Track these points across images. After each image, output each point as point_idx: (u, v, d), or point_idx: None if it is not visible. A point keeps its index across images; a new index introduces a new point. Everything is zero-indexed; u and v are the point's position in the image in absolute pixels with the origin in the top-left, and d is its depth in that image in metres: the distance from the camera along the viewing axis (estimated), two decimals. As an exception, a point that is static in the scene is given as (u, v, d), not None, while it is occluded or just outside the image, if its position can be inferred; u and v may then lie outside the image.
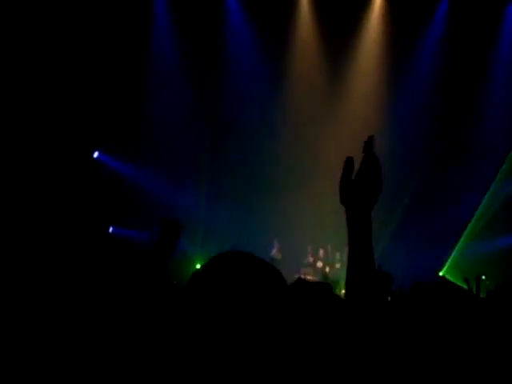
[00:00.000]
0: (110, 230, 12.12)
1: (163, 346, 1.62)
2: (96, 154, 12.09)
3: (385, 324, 1.68)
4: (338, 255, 11.96)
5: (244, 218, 11.86)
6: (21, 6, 10.02)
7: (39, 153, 10.35)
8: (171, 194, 11.88)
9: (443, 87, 11.96)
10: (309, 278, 10.85)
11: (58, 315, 2.74)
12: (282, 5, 12.21)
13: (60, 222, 10.07)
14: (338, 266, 11.86)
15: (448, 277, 11.12)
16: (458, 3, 11.70)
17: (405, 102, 12.30)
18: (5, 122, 9.92)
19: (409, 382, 1.59)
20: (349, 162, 1.75)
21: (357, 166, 1.80)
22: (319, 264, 12.13)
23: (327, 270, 11.92)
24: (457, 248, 12.03)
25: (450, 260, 12.06)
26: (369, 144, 1.73)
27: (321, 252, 12.21)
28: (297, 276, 11.10)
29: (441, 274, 11.84)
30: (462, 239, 11.98)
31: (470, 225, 11.90)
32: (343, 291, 2.10)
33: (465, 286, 3.50)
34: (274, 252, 12.02)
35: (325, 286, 2.38)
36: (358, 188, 1.69)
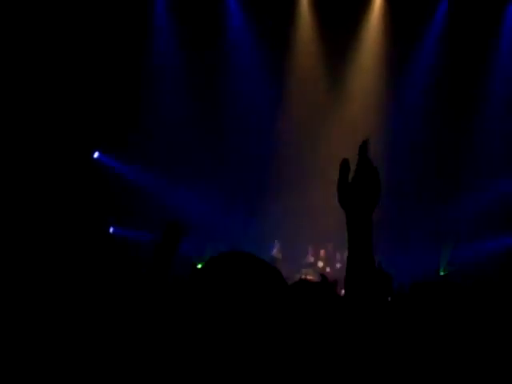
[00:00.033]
0: (111, 230, 12.13)
1: (163, 347, 1.62)
2: (96, 154, 12.10)
3: (384, 323, 1.68)
4: (338, 255, 11.96)
5: (245, 218, 11.87)
6: (21, 6, 10.03)
7: (39, 153, 10.35)
8: (171, 193, 11.88)
9: (443, 87, 11.97)
10: (309, 277, 10.85)
11: (59, 315, 2.74)
12: (282, 5, 12.21)
13: (60, 221, 10.07)
14: (338, 265, 11.86)
15: (448, 269, 11.15)
16: (457, 3, 11.69)
17: (405, 102, 12.31)
18: (4, 122, 9.92)
19: (411, 382, 1.59)
20: (344, 164, 1.72)
21: (354, 166, 1.79)
22: (320, 264, 12.13)
23: (328, 269, 11.93)
24: (458, 247, 12.02)
25: (450, 258, 12.05)
26: (363, 148, 1.71)
27: (322, 252, 12.22)
28: (297, 275, 11.12)
29: (441, 273, 11.85)
30: (463, 239, 11.96)
31: (471, 224, 11.89)
32: (343, 291, 2.12)
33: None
34: (275, 252, 12.03)
35: (327, 286, 2.38)
36: (356, 192, 1.67)
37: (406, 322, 1.65)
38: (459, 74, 11.65)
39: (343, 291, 1.78)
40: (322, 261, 12.18)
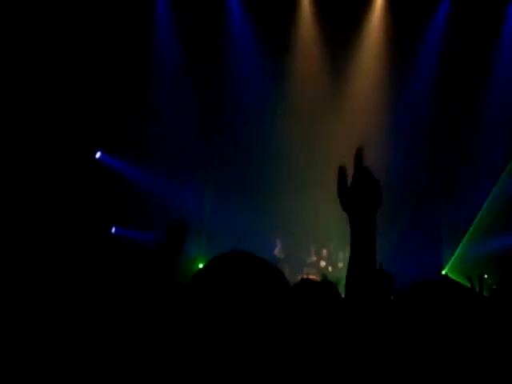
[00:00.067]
0: (113, 230, 12.13)
1: (166, 347, 1.62)
2: (98, 155, 12.10)
3: (385, 323, 1.68)
4: (341, 254, 11.95)
5: (247, 218, 11.86)
6: (21, 6, 10.03)
7: (41, 153, 10.36)
8: (174, 194, 11.88)
9: (444, 87, 11.95)
10: (312, 277, 10.85)
11: (62, 316, 2.75)
12: (284, 5, 12.20)
13: (62, 222, 10.08)
14: (340, 265, 11.86)
15: (451, 276, 11.11)
16: (459, 3, 11.68)
17: (406, 102, 12.28)
18: (6, 122, 9.93)
19: (413, 381, 1.59)
20: (341, 171, 1.73)
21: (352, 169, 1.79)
22: (322, 263, 12.13)
23: (330, 269, 11.92)
24: (460, 247, 12.01)
25: (452, 259, 12.05)
26: (358, 157, 1.71)
27: (324, 251, 12.22)
28: (299, 275, 11.12)
29: (443, 272, 11.84)
30: (465, 238, 11.96)
31: (473, 224, 11.88)
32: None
33: (468, 285, 3.50)
34: (277, 251, 12.03)
35: (329, 285, 2.38)
36: (355, 198, 1.68)
37: (407, 321, 1.66)
38: (460, 73, 11.63)
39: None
40: (325, 260, 12.18)
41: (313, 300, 2.18)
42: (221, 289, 1.39)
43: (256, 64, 12.50)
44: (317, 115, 12.41)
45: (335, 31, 12.05)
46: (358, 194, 1.69)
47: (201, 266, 10.67)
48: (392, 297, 3.49)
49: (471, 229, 11.86)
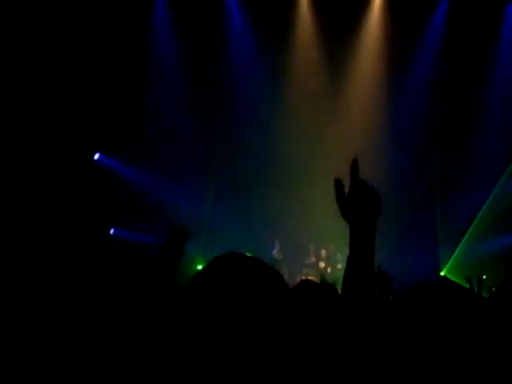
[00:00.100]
0: (111, 231, 12.12)
1: (164, 348, 1.62)
2: (97, 156, 12.09)
3: (383, 324, 1.68)
4: (339, 256, 11.95)
5: (245, 219, 11.87)
6: (20, 6, 10.02)
7: (39, 155, 10.35)
8: (172, 195, 11.88)
9: (443, 87, 11.96)
10: (310, 278, 10.85)
11: (62, 317, 2.74)
12: (282, 5, 12.21)
13: (60, 223, 10.07)
14: (339, 266, 11.85)
15: (449, 277, 11.12)
16: (457, 3, 11.69)
17: (405, 102, 12.29)
18: (5, 124, 9.93)
19: (412, 382, 1.59)
20: (337, 183, 1.73)
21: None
22: (321, 264, 12.12)
23: (329, 270, 11.92)
24: (458, 248, 12.02)
25: (451, 260, 12.06)
26: (354, 168, 1.72)
27: (323, 252, 12.21)
28: (298, 276, 11.12)
29: (442, 273, 11.84)
30: (463, 239, 11.97)
31: (472, 225, 11.89)
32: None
33: (466, 286, 3.50)
34: (275, 252, 12.02)
35: (328, 287, 2.38)
36: (355, 209, 1.69)
37: (406, 321, 1.66)
38: (459, 73, 11.64)
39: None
40: (324, 261, 12.17)
41: (312, 301, 2.18)
42: (219, 290, 1.39)
43: (254, 64, 12.51)
44: (316, 115, 12.42)
45: (333, 31, 12.07)
46: (357, 204, 1.69)
47: (199, 267, 10.67)
48: (391, 298, 3.48)
49: (470, 229, 11.87)
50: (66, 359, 2.35)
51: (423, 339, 1.60)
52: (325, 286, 2.42)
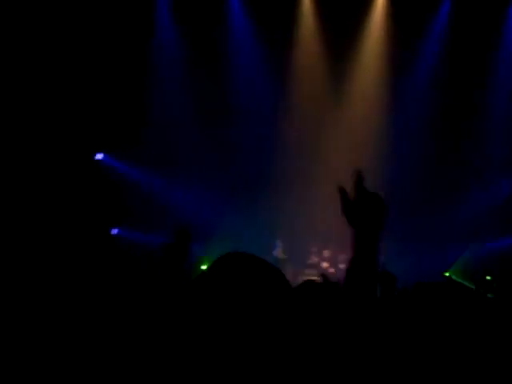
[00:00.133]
0: (114, 231, 12.13)
1: (168, 347, 1.62)
2: (100, 156, 12.10)
3: (385, 323, 1.69)
4: (342, 256, 11.93)
5: (249, 219, 11.86)
6: (21, 5, 10.04)
7: (41, 155, 10.37)
8: (172, 194, 11.89)
9: (446, 87, 11.94)
10: (313, 278, 10.82)
11: (67, 317, 2.75)
12: (285, 4, 12.21)
13: (63, 223, 10.09)
14: (342, 266, 11.83)
15: (454, 277, 11.09)
16: (460, 3, 11.68)
17: (407, 101, 12.28)
18: (9, 124, 9.95)
19: (412, 381, 1.59)
20: (341, 192, 1.75)
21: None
22: (324, 264, 12.11)
23: (332, 270, 11.90)
24: (464, 249, 11.98)
25: (456, 261, 12.01)
26: (358, 181, 1.73)
27: (325, 252, 12.19)
28: (301, 276, 11.11)
29: (446, 274, 11.81)
30: (469, 240, 11.92)
31: (477, 225, 11.84)
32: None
33: (471, 287, 3.50)
34: (278, 252, 12.01)
35: (332, 287, 2.38)
36: (361, 218, 1.70)
37: (408, 321, 1.66)
38: (461, 73, 11.62)
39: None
40: (326, 261, 12.15)
41: (315, 301, 2.18)
42: (223, 290, 1.39)
43: (257, 63, 12.51)
44: (318, 114, 12.42)
45: (336, 30, 12.07)
46: (362, 215, 1.70)
47: (203, 267, 10.68)
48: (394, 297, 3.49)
49: (476, 230, 11.82)
50: (70, 358, 2.36)
51: (425, 338, 1.60)
52: (328, 286, 2.42)
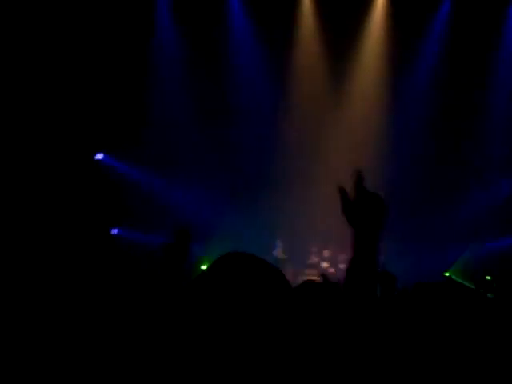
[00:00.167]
0: (115, 231, 12.14)
1: (168, 348, 1.62)
2: (100, 156, 12.10)
3: (384, 322, 1.69)
4: (342, 256, 11.93)
5: (249, 219, 11.86)
6: (21, 5, 10.04)
7: (42, 155, 10.37)
8: (172, 194, 11.89)
9: (446, 87, 11.94)
10: (313, 278, 10.82)
11: (68, 317, 2.75)
12: (285, 4, 12.22)
13: (64, 224, 10.09)
14: (342, 266, 11.84)
15: (454, 277, 11.09)
16: (460, 3, 11.68)
17: (407, 102, 12.29)
18: (9, 124, 9.95)
19: (411, 381, 1.59)
20: (341, 192, 1.77)
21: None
22: (324, 264, 12.11)
23: (332, 270, 11.91)
24: (464, 249, 11.98)
25: (456, 261, 12.02)
26: (358, 181, 1.75)
27: (326, 252, 12.20)
28: (301, 276, 11.12)
29: (446, 274, 11.81)
30: (469, 240, 11.92)
31: (477, 225, 11.85)
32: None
33: (471, 287, 3.50)
34: (278, 252, 12.02)
35: (332, 287, 2.37)
36: (361, 217, 1.72)
37: (408, 321, 1.66)
38: (461, 74, 11.63)
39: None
40: (326, 261, 12.16)
41: (315, 302, 2.18)
42: (222, 290, 1.39)
43: (257, 63, 12.51)
44: (318, 114, 12.42)
45: (336, 30, 12.07)
46: (362, 215, 1.72)
47: (203, 267, 10.68)
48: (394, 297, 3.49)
49: (476, 230, 11.83)
50: (71, 358, 2.36)
51: (425, 338, 1.60)
52: (328, 286, 2.42)
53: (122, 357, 2.13)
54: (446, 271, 11.94)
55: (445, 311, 1.63)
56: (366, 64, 12.54)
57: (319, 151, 12.26)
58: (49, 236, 9.16)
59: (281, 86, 12.56)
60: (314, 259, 12.17)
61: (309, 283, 2.43)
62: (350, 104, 12.48)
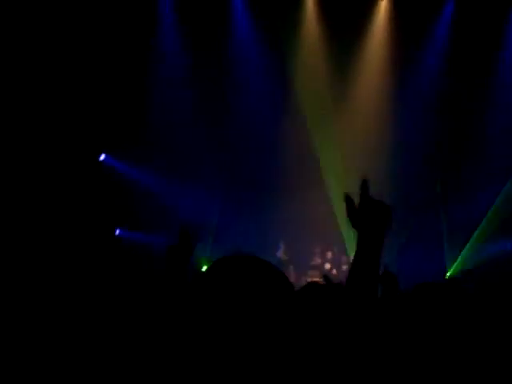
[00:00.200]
0: (117, 232, 12.15)
1: (169, 349, 1.63)
2: (102, 157, 12.10)
3: (385, 323, 1.69)
4: (345, 257, 11.93)
5: (251, 220, 11.86)
6: (21, 4, 10.06)
7: (44, 156, 10.39)
8: (175, 195, 11.89)
9: (450, 88, 11.93)
10: (316, 280, 10.81)
11: (69, 319, 2.76)
12: (288, 6, 12.22)
13: (65, 224, 10.11)
14: (344, 267, 11.83)
15: (454, 278, 11.07)
16: (464, 5, 11.67)
17: (410, 104, 12.27)
18: (10, 126, 9.97)
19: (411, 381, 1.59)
20: (347, 199, 1.82)
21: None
22: (327, 266, 12.10)
23: (334, 271, 11.90)
24: (464, 251, 11.97)
25: (456, 263, 12.01)
26: (364, 188, 1.80)
27: (329, 254, 12.19)
28: (304, 278, 11.12)
29: (447, 275, 11.80)
30: (471, 240, 11.92)
31: (480, 226, 11.84)
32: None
33: (470, 288, 3.48)
34: (281, 253, 12.01)
35: (335, 288, 2.38)
36: (365, 221, 1.77)
37: (409, 321, 1.66)
38: (466, 75, 11.61)
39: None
40: (329, 263, 12.15)
41: (319, 304, 2.19)
42: (223, 291, 1.40)
43: (259, 64, 12.50)
44: (322, 117, 12.42)
45: (339, 32, 12.07)
46: (367, 220, 1.77)
47: (204, 268, 10.69)
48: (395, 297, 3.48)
49: (476, 231, 11.81)
50: (74, 358, 2.37)
51: (426, 339, 1.61)
52: (331, 287, 2.42)
53: (123, 357, 2.13)
54: (447, 272, 11.93)
55: (445, 312, 1.63)
56: (369, 66, 12.53)
57: (323, 153, 12.26)
58: (52, 237, 9.18)
59: (283, 86, 12.56)
60: (317, 261, 12.16)
61: (312, 285, 2.44)
62: (354, 107, 12.47)
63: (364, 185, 1.80)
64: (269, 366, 1.36)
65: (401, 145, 11.99)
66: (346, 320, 1.66)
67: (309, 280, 9.65)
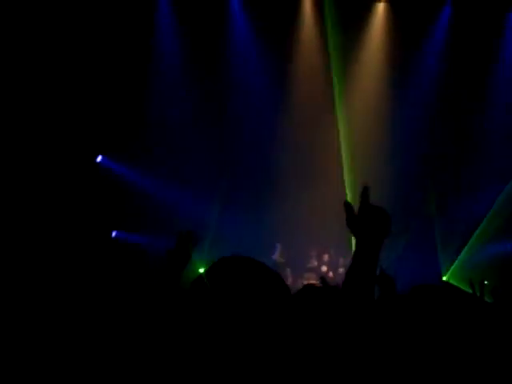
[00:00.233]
0: (114, 234, 12.13)
1: (166, 352, 1.63)
2: (99, 158, 12.09)
3: (381, 325, 1.70)
4: (341, 260, 11.94)
5: (247, 222, 11.85)
6: (21, 4, 10.05)
7: (41, 157, 10.38)
8: (170, 196, 11.88)
9: (450, 88, 11.95)
10: (312, 282, 10.80)
11: (67, 321, 2.76)
12: (286, 6, 12.24)
13: (62, 226, 10.09)
14: (341, 270, 11.84)
15: (452, 282, 11.08)
16: (461, 7, 11.71)
17: (408, 106, 12.30)
18: (8, 126, 9.96)
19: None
20: (347, 206, 1.84)
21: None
22: (324, 268, 12.10)
23: (330, 274, 11.91)
24: (461, 254, 11.98)
25: (453, 266, 12.02)
26: (364, 195, 1.82)
27: (325, 256, 12.19)
28: (300, 280, 11.12)
29: (444, 278, 11.81)
30: (468, 243, 11.93)
31: (477, 229, 11.85)
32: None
33: (469, 291, 3.49)
34: (277, 255, 12.00)
35: (332, 291, 2.38)
36: (364, 228, 1.78)
37: (406, 324, 1.67)
38: (464, 75, 11.65)
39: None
40: (326, 265, 12.15)
41: (316, 306, 2.19)
42: (220, 294, 1.40)
43: (258, 64, 12.51)
44: (319, 118, 12.43)
45: (338, 34, 12.10)
46: (365, 226, 1.78)
47: (201, 270, 10.67)
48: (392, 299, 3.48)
49: (473, 236, 11.82)
50: (71, 360, 2.36)
51: (422, 342, 1.61)
52: (328, 290, 2.42)
53: (120, 359, 2.13)
54: (444, 274, 11.94)
55: (442, 315, 1.63)
56: (368, 67, 12.55)
57: (321, 155, 12.27)
58: (49, 239, 9.16)
59: (281, 87, 12.56)
60: (314, 263, 12.16)
61: (309, 288, 2.44)
62: (352, 108, 12.49)
63: (365, 192, 1.82)
64: (265, 368, 1.36)
65: (399, 145, 12.01)
66: (342, 322, 1.66)
67: (305, 282, 9.65)
